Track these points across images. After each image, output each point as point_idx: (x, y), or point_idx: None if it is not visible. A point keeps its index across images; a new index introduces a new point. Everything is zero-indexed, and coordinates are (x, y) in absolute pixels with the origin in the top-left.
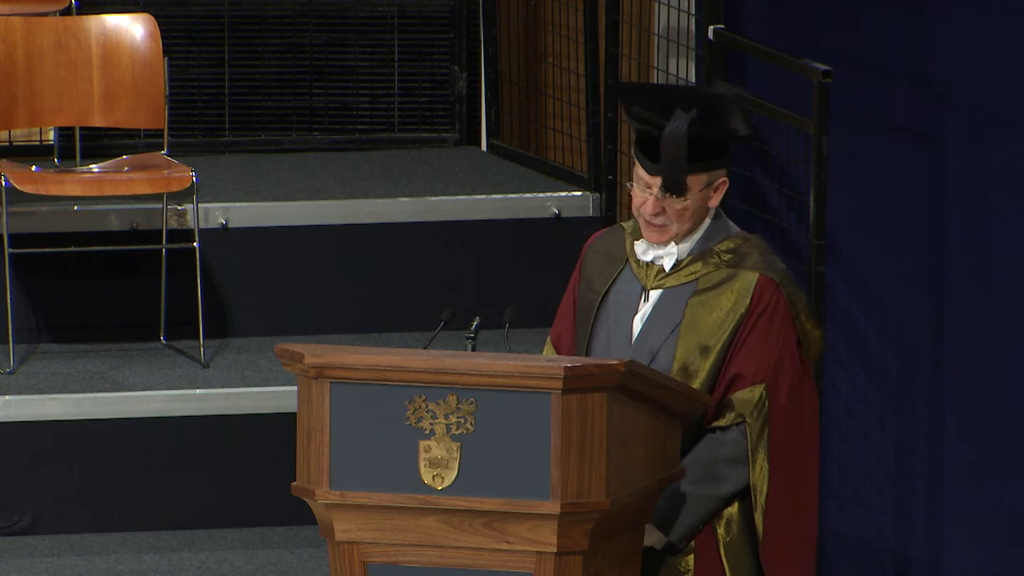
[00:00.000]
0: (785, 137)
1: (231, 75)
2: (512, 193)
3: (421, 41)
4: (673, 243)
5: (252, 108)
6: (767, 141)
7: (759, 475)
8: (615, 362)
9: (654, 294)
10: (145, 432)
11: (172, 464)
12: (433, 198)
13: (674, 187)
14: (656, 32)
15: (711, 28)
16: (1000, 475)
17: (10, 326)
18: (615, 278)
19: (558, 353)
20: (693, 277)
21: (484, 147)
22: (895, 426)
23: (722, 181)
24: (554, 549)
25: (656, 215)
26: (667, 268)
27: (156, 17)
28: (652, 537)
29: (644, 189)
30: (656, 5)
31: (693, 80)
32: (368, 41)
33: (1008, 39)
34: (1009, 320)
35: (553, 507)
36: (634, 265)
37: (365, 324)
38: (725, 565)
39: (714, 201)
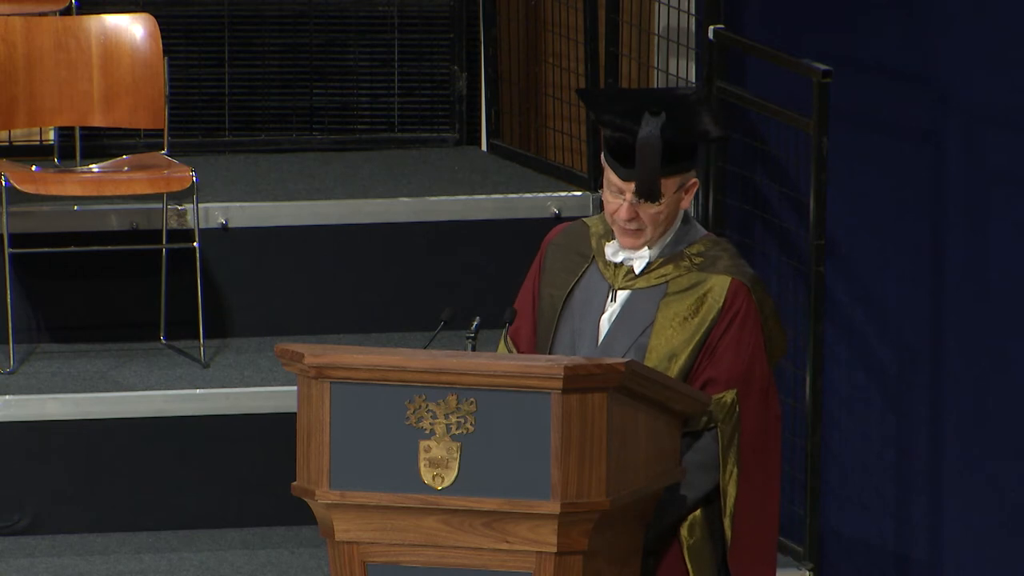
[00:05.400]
0: (785, 137)
1: (231, 75)
2: (512, 193)
3: (421, 41)
4: (646, 247)
5: (252, 108)
6: (767, 141)
7: (729, 480)
8: (615, 362)
9: (622, 295)
10: (145, 432)
11: (172, 464)
12: (433, 198)
13: (649, 194)
14: (656, 32)
15: (711, 28)
16: (1000, 475)
17: (10, 326)
18: (580, 276)
19: (516, 348)
20: (663, 280)
21: (484, 147)
22: (895, 426)
23: (693, 182)
24: (554, 549)
25: (630, 220)
26: (637, 271)
27: (156, 17)
28: None
29: (617, 195)
30: (656, 5)
31: (693, 80)
32: (368, 41)
33: (1008, 39)
34: (1009, 320)
35: (553, 507)
36: (601, 264)
37: (365, 324)
38: (689, 567)
39: (685, 203)
